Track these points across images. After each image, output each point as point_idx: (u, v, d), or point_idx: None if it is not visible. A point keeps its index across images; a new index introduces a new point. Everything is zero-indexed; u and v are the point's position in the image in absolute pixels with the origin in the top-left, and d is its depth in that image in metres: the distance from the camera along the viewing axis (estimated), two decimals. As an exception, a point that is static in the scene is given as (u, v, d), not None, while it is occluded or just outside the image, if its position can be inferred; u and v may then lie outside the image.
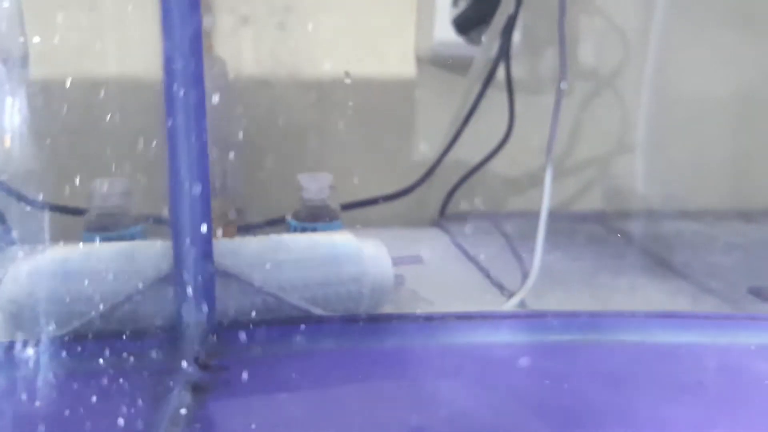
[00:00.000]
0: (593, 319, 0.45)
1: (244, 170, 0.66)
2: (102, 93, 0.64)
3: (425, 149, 0.81)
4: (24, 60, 0.69)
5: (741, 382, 0.40)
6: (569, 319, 0.45)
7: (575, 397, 0.38)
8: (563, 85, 0.64)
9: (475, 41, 0.76)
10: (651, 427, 0.35)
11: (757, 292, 0.56)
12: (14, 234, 0.58)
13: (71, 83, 0.68)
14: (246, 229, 0.66)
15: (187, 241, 0.41)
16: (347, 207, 0.73)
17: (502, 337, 0.44)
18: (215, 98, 0.59)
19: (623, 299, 0.56)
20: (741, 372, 0.41)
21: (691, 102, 0.86)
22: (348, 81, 0.75)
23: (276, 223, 0.68)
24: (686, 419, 0.36)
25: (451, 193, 0.82)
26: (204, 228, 0.41)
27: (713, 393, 0.38)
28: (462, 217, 0.82)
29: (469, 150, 0.80)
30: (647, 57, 0.83)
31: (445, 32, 0.76)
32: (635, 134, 0.84)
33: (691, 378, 0.40)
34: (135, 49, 0.64)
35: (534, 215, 0.63)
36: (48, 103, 0.67)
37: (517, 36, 0.76)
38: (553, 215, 0.64)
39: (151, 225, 0.57)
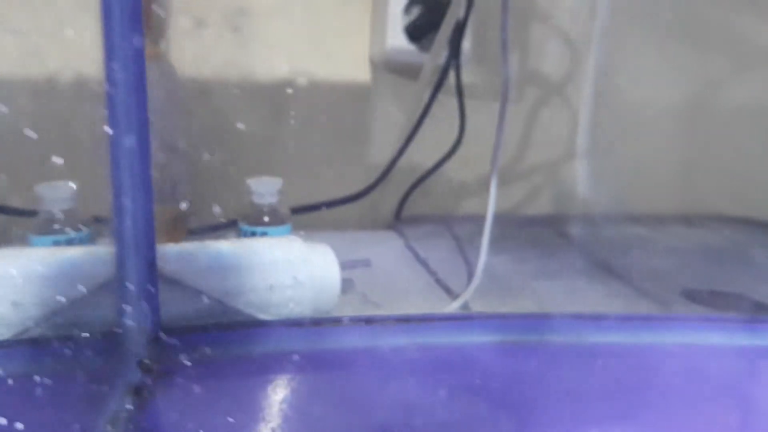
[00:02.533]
0: (528, 321, 0.47)
1: (194, 174, 0.67)
2: (49, 95, 0.64)
3: (379, 153, 0.82)
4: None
5: (659, 380, 0.42)
6: (505, 320, 0.46)
7: (511, 397, 0.40)
8: (506, 90, 0.66)
9: (426, 48, 0.78)
10: (577, 425, 0.37)
11: (689, 295, 0.59)
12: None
13: (18, 85, 0.68)
14: (195, 233, 0.66)
15: (130, 246, 0.41)
16: (299, 211, 0.74)
17: (441, 338, 0.45)
18: (163, 103, 0.59)
19: (562, 301, 0.58)
20: (659, 370, 0.43)
21: (637, 109, 0.88)
22: (290, 91, 0.76)
23: (226, 227, 0.68)
24: (609, 415, 0.38)
25: (405, 197, 0.83)
26: (147, 233, 0.41)
27: (633, 391, 0.40)
28: (416, 220, 0.83)
29: (425, 154, 0.82)
30: (595, 65, 0.86)
31: (397, 39, 0.77)
32: (582, 140, 0.87)
33: (615, 377, 0.42)
34: (82, 51, 0.64)
35: (485, 218, 0.64)
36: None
37: (467, 43, 0.78)
38: (502, 219, 0.66)
39: (99, 227, 0.57)
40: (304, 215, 0.75)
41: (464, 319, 0.47)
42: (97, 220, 0.57)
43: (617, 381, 0.41)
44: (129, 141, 0.40)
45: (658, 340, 0.45)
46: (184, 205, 0.62)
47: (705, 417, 0.38)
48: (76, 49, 0.64)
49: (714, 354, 0.45)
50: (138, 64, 0.40)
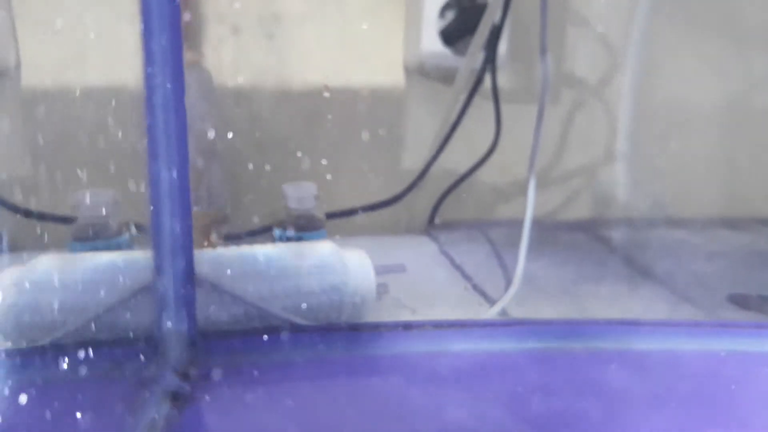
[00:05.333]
0: (569, 327, 0.46)
1: (230, 180, 0.67)
2: (90, 102, 0.65)
3: (413, 158, 0.82)
4: (17, 69, 0.70)
5: (710, 388, 0.40)
6: (544, 327, 0.45)
7: (551, 404, 0.39)
8: (545, 96, 0.65)
9: (462, 52, 0.77)
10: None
11: (736, 300, 0.57)
12: (2, 242, 0.58)
13: (61, 92, 0.69)
14: (231, 238, 0.66)
15: (168, 251, 0.41)
16: (334, 216, 0.73)
17: (480, 345, 0.44)
18: (200, 108, 0.60)
19: (603, 307, 0.57)
20: (710, 377, 0.41)
21: (677, 111, 0.86)
22: (327, 95, 0.76)
23: (261, 233, 0.68)
24: (657, 425, 0.36)
25: (439, 202, 0.83)
26: (185, 238, 0.41)
27: (683, 399, 0.39)
28: (450, 226, 0.82)
29: (459, 158, 0.81)
30: (634, 66, 0.84)
31: (432, 43, 0.76)
32: (622, 143, 0.85)
33: (662, 384, 0.40)
34: (122, 60, 0.65)
35: (521, 223, 0.64)
36: (39, 111, 0.68)
37: (503, 46, 0.77)
38: (540, 224, 0.65)
39: (138, 234, 0.58)
40: (339, 220, 0.75)
41: (504, 326, 0.46)
42: (136, 226, 0.58)
43: (664, 389, 0.40)
44: (167, 147, 0.40)
45: (707, 347, 0.44)
46: (221, 211, 0.62)
47: (758, 426, 0.37)
48: (115, 55, 0.66)
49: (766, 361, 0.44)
50: (177, 70, 0.40)
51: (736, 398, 0.39)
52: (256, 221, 0.69)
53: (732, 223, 0.85)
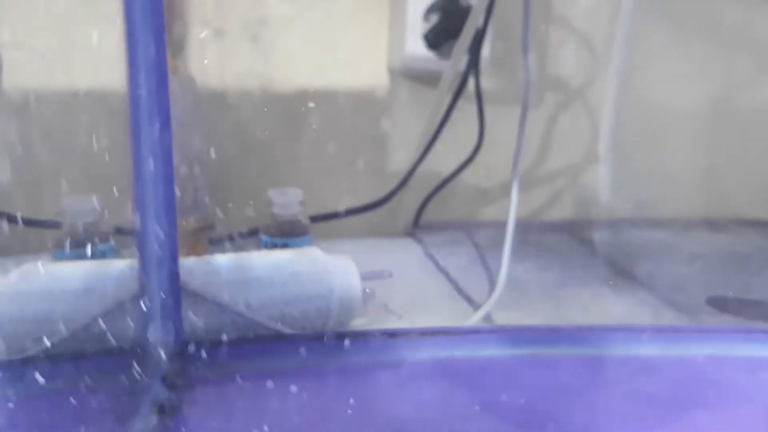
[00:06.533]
0: (553, 333, 0.46)
1: (215, 185, 0.67)
2: (73, 105, 0.64)
3: (398, 160, 0.82)
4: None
5: (690, 392, 0.41)
6: (529, 333, 0.46)
7: (536, 410, 0.39)
8: (529, 97, 0.65)
9: (445, 55, 0.77)
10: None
11: (715, 303, 0.58)
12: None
13: (43, 94, 0.68)
14: (216, 243, 0.66)
15: (153, 260, 0.41)
16: (319, 219, 0.74)
17: (465, 351, 0.45)
18: (183, 115, 0.59)
19: (585, 311, 0.57)
20: (690, 382, 0.42)
21: (659, 112, 0.87)
22: (311, 105, 0.76)
23: (247, 237, 0.68)
24: (637, 429, 0.37)
25: (424, 204, 0.83)
26: (170, 247, 0.41)
27: (664, 404, 0.40)
28: (435, 228, 0.83)
29: (443, 161, 0.82)
30: (616, 68, 0.85)
31: (415, 46, 0.77)
32: (604, 144, 0.86)
33: (643, 389, 0.41)
34: (106, 62, 0.64)
35: (505, 225, 0.64)
36: (20, 113, 0.68)
37: (486, 50, 0.78)
38: (523, 225, 0.65)
39: (122, 239, 0.57)
40: (324, 223, 0.75)
41: (489, 333, 0.47)
42: (120, 231, 0.58)
43: (646, 395, 0.41)
44: (152, 154, 0.40)
45: (688, 352, 0.45)
46: (206, 218, 0.62)
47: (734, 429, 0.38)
48: (99, 63, 0.65)
49: (746, 366, 0.45)
50: (160, 78, 0.40)
51: (714, 403, 0.40)
52: (242, 228, 0.69)
53: (712, 225, 0.86)
